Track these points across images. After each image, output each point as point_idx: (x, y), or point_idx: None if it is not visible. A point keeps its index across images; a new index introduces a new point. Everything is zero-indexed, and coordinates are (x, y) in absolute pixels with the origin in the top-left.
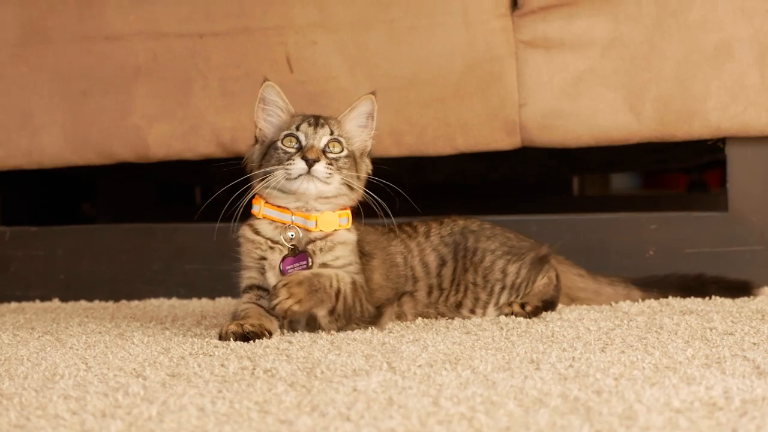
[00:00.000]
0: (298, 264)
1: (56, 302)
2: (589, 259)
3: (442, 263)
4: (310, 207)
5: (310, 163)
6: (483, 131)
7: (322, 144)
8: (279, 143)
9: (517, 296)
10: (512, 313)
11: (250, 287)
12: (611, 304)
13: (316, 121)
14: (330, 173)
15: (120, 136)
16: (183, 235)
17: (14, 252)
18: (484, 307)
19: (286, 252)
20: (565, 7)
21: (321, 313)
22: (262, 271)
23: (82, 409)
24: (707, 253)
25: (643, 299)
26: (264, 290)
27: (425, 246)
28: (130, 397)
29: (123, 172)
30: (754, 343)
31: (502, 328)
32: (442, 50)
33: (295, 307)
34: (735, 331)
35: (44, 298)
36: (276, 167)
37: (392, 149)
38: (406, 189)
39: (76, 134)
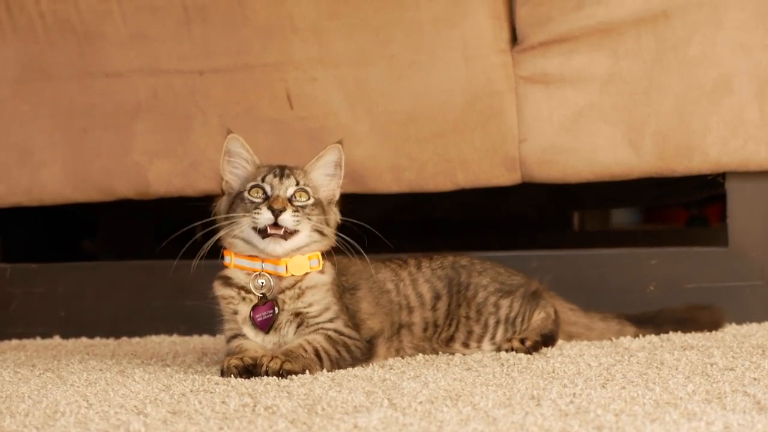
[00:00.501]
0: (266, 312)
1: (57, 339)
2: (590, 294)
3: (437, 297)
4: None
5: (276, 213)
6: (483, 167)
7: (288, 194)
8: (245, 194)
9: (514, 331)
10: (512, 349)
11: (235, 336)
12: (611, 340)
13: (282, 172)
14: (298, 220)
15: (120, 173)
16: (183, 271)
17: (15, 289)
18: (479, 341)
19: (255, 301)
20: (565, 42)
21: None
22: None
23: None
24: (707, 288)
25: (638, 335)
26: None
27: (417, 276)
28: None
29: (124, 209)
30: (755, 378)
31: (503, 365)
32: (442, 86)
33: (287, 366)
34: (736, 367)
35: (45, 335)
36: (242, 215)
37: (392, 185)
38: (404, 225)
39: (77, 171)
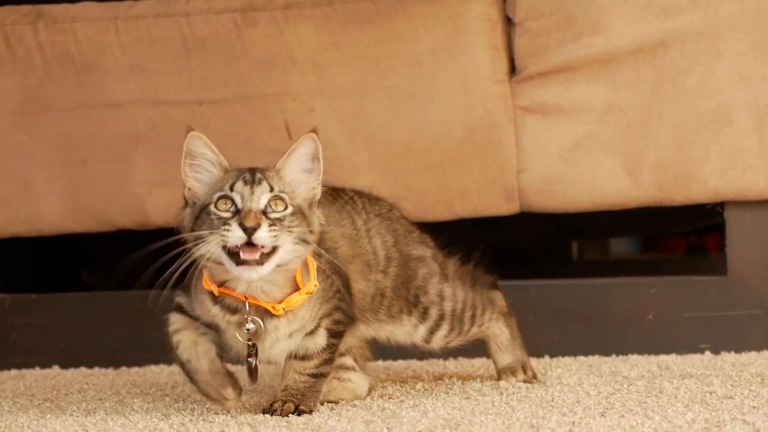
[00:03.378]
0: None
1: (56, 369)
2: (589, 323)
3: (389, 258)
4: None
5: (249, 232)
6: (482, 197)
7: (261, 204)
8: (212, 207)
9: (461, 331)
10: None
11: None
12: (611, 368)
13: (253, 178)
14: (275, 235)
15: (119, 204)
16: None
17: (14, 319)
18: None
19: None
20: (563, 73)
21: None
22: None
23: None
24: (706, 317)
25: None
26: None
27: (370, 226)
28: None
29: (122, 240)
30: (754, 407)
31: (501, 393)
32: (440, 117)
33: (302, 407)
34: (734, 395)
35: (44, 365)
36: (209, 233)
37: None
38: None
39: (76, 202)
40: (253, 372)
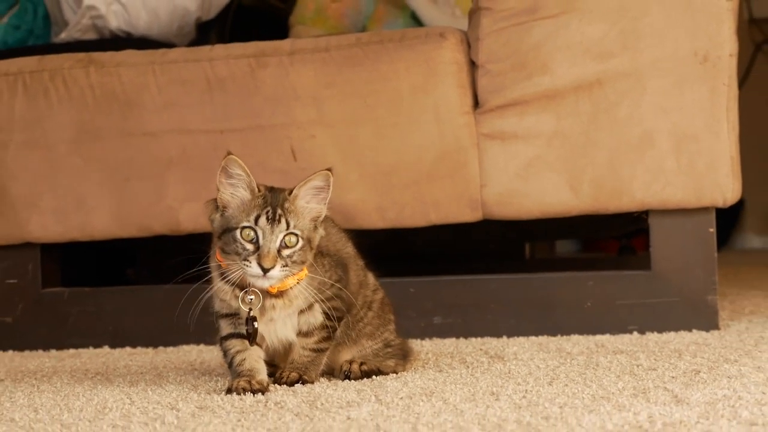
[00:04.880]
0: (250, 327)
1: (106, 349)
2: (538, 310)
3: (376, 288)
4: None
5: (265, 271)
6: (452, 207)
7: (278, 243)
8: (237, 234)
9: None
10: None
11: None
12: (557, 346)
13: (274, 215)
14: (285, 274)
15: (156, 214)
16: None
17: (72, 308)
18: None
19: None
20: (518, 106)
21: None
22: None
23: None
24: (634, 304)
25: None
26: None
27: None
28: (166, 425)
29: (160, 244)
30: (673, 377)
31: (468, 367)
32: (418, 142)
33: (306, 377)
34: (657, 367)
35: (96, 345)
36: (236, 259)
37: (378, 223)
38: (386, 257)
39: (121, 213)
40: (251, 335)
